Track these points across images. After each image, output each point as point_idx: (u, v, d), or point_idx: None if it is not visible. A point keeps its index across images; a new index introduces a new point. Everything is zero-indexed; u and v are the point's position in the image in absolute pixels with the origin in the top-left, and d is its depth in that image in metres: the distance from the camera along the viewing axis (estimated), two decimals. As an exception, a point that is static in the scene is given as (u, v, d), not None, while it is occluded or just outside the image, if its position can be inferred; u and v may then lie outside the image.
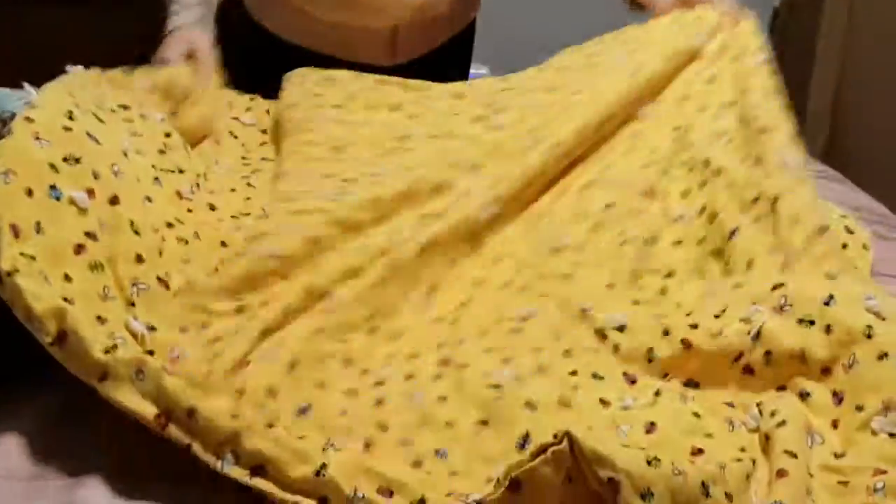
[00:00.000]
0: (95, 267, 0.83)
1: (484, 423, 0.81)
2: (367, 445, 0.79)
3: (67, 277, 0.80)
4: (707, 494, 0.66)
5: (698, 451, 0.72)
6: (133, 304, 0.84)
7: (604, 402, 0.81)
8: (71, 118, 0.90)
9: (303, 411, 0.81)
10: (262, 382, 0.81)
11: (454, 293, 0.99)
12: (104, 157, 0.91)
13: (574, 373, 0.85)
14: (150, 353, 0.78)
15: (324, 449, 0.73)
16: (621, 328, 0.89)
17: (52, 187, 0.83)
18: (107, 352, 0.73)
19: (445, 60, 1.53)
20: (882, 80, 2.36)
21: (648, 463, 0.66)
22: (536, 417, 0.79)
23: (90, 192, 0.86)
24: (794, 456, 0.71)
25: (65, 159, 0.86)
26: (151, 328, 0.82)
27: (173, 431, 0.71)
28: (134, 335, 0.79)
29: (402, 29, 1.44)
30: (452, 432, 0.80)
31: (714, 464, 0.69)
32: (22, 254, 0.77)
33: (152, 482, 0.70)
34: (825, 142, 2.49)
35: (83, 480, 0.69)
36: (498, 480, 0.69)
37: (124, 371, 0.72)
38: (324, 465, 0.69)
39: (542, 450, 0.69)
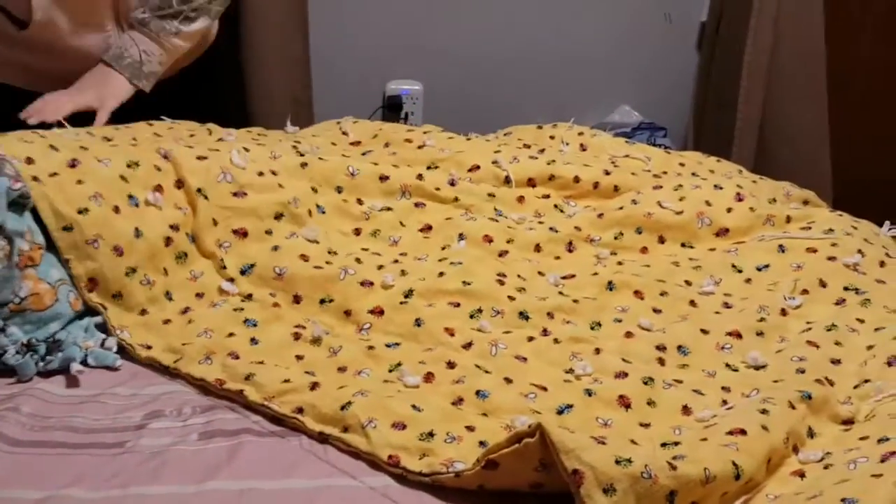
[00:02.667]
0: (180, 257, 1.11)
1: (543, 388, 0.93)
2: (428, 377, 0.94)
3: (165, 272, 1.09)
4: (671, 502, 0.73)
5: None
6: (224, 267, 1.11)
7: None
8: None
9: (390, 345, 1.01)
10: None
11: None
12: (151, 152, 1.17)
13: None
14: (250, 295, 1.08)
15: (355, 394, 0.89)
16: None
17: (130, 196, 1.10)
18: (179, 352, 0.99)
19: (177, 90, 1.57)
20: (805, 93, 2.49)
21: (617, 462, 0.72)
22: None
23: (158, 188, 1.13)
24: None
25: (128, 166, 1.12)
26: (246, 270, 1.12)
27: (228, 386, 0.93)
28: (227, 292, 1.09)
29: None
30: (503, 384, 0.93)
31: (702, 468, 0.75)
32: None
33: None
34: (754, 153, 2.60)
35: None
36: (478, 459, 0.77)
37: (196, 356, 0.97)
38: (349, 403, 0.87)
39: (518, 439, 0.76)
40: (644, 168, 1.39)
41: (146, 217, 1.09)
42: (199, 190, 1.15)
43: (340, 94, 2.44)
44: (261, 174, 1.20)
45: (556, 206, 1.33)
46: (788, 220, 1.29)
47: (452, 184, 1.31)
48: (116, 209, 1.07)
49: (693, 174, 1.39)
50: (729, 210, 1.28)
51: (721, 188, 1.31)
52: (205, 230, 1.13)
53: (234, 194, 1.16)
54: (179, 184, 1.15)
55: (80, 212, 1.03)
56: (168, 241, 1.10)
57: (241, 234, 1.15)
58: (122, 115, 1.42)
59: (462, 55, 2.55)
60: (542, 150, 1.44)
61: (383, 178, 1.29)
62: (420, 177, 1.31)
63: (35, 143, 1.09)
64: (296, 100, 2.27)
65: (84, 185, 1.05)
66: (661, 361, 0.98)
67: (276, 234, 1.16)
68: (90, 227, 1.03)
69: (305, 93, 2.32)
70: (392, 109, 2.52)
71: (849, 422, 0.91)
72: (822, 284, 1.13)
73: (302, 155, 1.28)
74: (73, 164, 1.07)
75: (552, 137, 1.49)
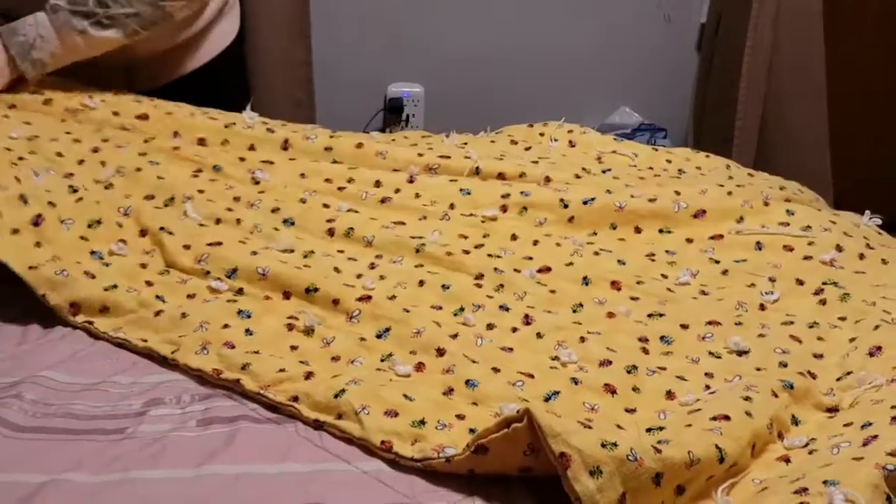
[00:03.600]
0: (162, 273, 1.13)
1: (530, 376, 0.94)
2: (419, 367, 0.95)
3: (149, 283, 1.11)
4: (658, 484, 0.75)
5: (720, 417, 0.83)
6: (209, 272, 1.13)
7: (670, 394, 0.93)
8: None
9: (381, 334, 1.02)
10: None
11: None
12: None
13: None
14: (241, 290, 1.10)
15: (348, 382, 0.91)
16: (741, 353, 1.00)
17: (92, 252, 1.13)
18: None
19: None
20: (805, 94, 2.50)
21: (603, 445, 0.74)
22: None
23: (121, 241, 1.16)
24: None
25: (89, 225, 1.16)
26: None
27: (225, 376, 0.94)
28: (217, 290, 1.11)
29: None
30: (491, 373, 0.94)
31: (686, 451, 0.76)
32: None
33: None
34: (754, 154, 2.62)
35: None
36: (468, 445, 0.79)
37: (193, 347, 0.99)
38: (342, 391, 0.89)
39: (507, 424, 0.78)
40: (630, 163, 1.41)
41: (113, 260, 1.13)
42: (161, 228, 1.18)
43: (342, 96, 2.47)
44: (230, 210, 1.25)
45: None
46: (766, 203, 1.29)
47: (411, 181, 1.33)
48: (78, 263, 1.10)
49: (680, 170, 1.41)
50: (703, 191, 1.30)
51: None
52: (178, 255, 1.15)
53: (201, 225, 1.21)
54: (143, 232, 1.18)
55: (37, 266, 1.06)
56: (144, 265, 1.14)
57: (217, 244, 1.16)
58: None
59: (463, 58, 2.58)
60: (529, 148, 1.46)
61: (341, 189, 1.33)
62: (378, 183, 1.33)
63: (9, 189, 1.13)
64: (298, 102, 2.29)
65: (42, 248, 1.10)
66: (645, 351, 1.00)
67: (250, 244, 1.18)
68: (54, 267, 1.06)
69: (307, 95, 2.34)
70: (393, 112, 2.54)
71: (833, 410, 0.93)
72: (800, 283, 1.15)
73: (257, 183, 1.32)
74: (36, 223, 1.12)
75: (542, 135, 1.52)
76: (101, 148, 1.32)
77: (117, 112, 1.42)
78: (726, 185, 1.33)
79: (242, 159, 1.37)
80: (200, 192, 1.28)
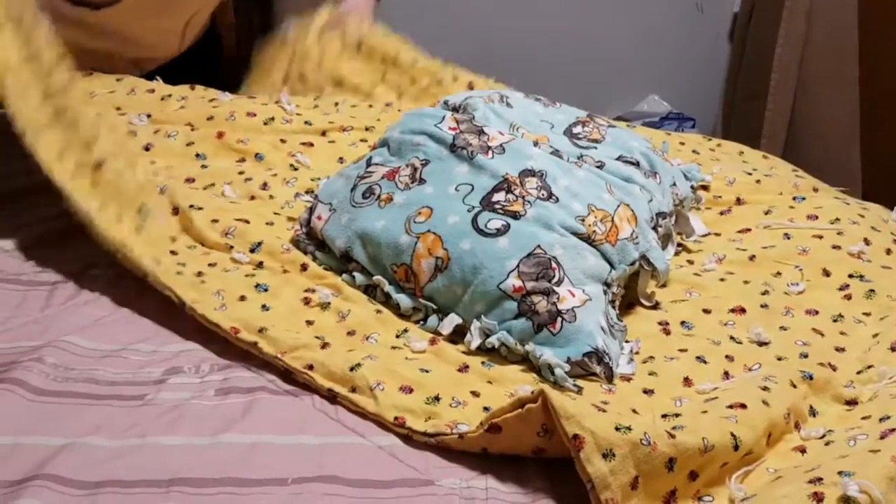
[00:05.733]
0: (191, 247, 1.14)
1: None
2: (434, 340, 0.97)
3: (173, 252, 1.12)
4: (671, 469, 0.75)
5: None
6: (232, 247, 1.13)
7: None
8: None
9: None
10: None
11: None
12: None
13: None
14: (261, 263, 1.10)
15: (364, 357, 0.91)
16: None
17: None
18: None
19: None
20: (836, 87, 2.47)
21: (617, 429, 0.74)
22: None
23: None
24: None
25: None
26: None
27: (243, 336, 0.95)
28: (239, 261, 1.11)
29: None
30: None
31: (700, 437, 0.76)
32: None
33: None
34: (783, 146, 2.59)
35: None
36: (481, 423, 0.79)
37: (213, 303, 0.99)
38: (358, 365, 0.89)
39: (521, 404, 0.78)
40: None
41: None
42: (191, 206, 1.18)
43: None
44: (264, 187, 1.27)
45: None
46: (794, 198, 1.29)
47: None
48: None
49: (694, 151, 1.42)
50: (730, 182, 1.30)
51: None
52: (207, 230, 1.15)
53: (232, 202, 1.22)
54: (175, 211, 1.19)
55: None
56: (173, 239, 1.14)
57: (245, 221, 1.17)
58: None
59: (492, 42, 2.57)
60: None
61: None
62: None
63: None
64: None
65: None
66: (667, 332, 1.00)
67: (277, 225, 1.19)
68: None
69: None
70: (425, 97, 2.54)
71: (852, 402, 0.92)
72: (826, 274, 1.14)
73: (296, 169, 1.33)
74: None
75: None
76: (153, 144, 1.34)
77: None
78: (755, 173, 1.33)
79: (283, 141, 1.38)
80: (241, 173, 1.30)
